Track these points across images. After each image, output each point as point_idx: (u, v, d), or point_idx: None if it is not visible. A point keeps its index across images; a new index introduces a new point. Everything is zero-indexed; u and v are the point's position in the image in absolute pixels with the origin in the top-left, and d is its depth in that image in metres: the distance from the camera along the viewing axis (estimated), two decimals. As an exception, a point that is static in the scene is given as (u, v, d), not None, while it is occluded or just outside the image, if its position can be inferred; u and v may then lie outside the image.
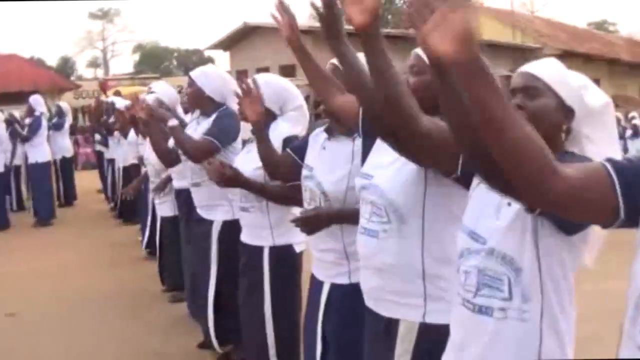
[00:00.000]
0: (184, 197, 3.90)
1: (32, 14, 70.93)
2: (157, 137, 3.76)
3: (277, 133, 2.82)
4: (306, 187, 2.40)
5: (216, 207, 3.42)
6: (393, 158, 1.84)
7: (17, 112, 9.74)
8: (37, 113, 8.60)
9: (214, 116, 3.37)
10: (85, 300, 5.24)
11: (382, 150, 1.92)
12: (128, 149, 7.28)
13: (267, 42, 23.03)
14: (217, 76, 3.48)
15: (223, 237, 3.38)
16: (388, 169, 1.88)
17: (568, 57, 30.13)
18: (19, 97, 13.71)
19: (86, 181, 10.99)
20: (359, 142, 2.27)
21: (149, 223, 5.69)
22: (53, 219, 8.69)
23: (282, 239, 2.85)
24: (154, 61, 45.74)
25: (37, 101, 8.79)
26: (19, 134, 8.62)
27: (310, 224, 2.29)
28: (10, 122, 9.05)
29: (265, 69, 23.32)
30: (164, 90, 4.57)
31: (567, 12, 65.07)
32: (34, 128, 8.54)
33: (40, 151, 8.56)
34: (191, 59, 47.58)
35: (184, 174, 3.74)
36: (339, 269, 2.32)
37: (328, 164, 2.35)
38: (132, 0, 53.88)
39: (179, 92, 5.67)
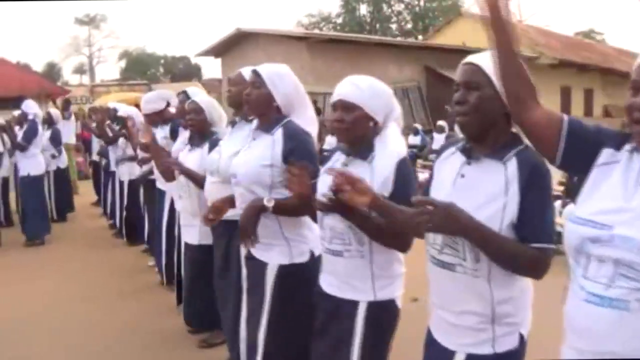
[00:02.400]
0: (230, 229, 3.21)
1: (17, 18, 69.94)
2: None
3: (390, 151, 2.22)
4: None
5: (273, 246, 2.71)
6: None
7: (1, 118, 8.99)
8: (30, 117, 7.68)
9: (293, 143, 2.65)
10: (93, 341, 4.47)
11: (616, 188, 1.50)
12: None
13: (261, 48, 22.43)
14: (291, 81, 2.75)
15: (280, 284, 2.68)
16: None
17: (563, 66, 29.96)
18: (5, 103, 12.89)
19: (81, 193, 10.14)
20: (513, 165, 1.75)
21: (164, 246, 4.99)
22: (46, 235, 7.83)
23: (385, 292, 2.21)
24: (140, 68, 45.05)
25: (30, 105, 7.88)
26: (13, 143, 7.66)
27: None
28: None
29: (260, 76, 22.70)
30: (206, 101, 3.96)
31: (554, 21, 65.35)
32: (30, 135, 7.59)
33: (34, 162, 7.65)
34: (177, 66, 46.95)
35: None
36: (480, 336, 1.80)
37: (471, 198, 1.75)
38: (118, 5, 53.16)
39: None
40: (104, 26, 46.39)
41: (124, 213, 7.27)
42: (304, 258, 2.68)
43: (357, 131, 2.24)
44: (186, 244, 4.00)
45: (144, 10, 77.93)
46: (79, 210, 9.68)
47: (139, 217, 7.18)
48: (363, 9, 44.89)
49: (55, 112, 9.55)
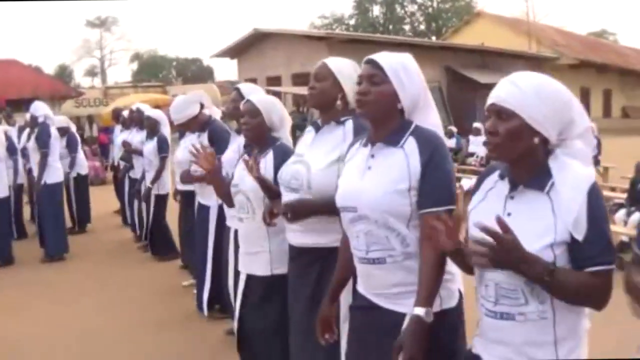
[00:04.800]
0: (322, 258, 2.51)
1: (30, 21, 69.79)
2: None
3: (576, 176, 1.69)
4: None
5: (414, 293, 2.02)
6: None
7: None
8: (41, 120, 6.89)
9: (430, 154, 2.03)
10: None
11: None
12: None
13: (279, 49, 22.01)
14: (420, 77, 2.14)
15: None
16: None
17: (583, 67, 29.27)
18: (18, 105, 12.31)
19: (98, 200, 9.30)
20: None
21: (208, 271, 4.29)
22: (66, 253, 7.10)
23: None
24: (152, 70, 44.72)
25: (39, 108, 7.04)
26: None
27: None
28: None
29: (277, 78, 22.22)
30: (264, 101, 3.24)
31: (568, 21, 64.58)
32: (45, 138, 6.79)
33: (51, 170, 6.85)
34: (190, 68, 46.60)
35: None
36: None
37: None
38: (130, 8, 53.21)
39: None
40: (115, 29, 46.55)
41: (150, 225, 6.60)
42: (453, 301, 2.09)
43: (514, 148, 1.69)
44: (249, 276, 3.19)
45: (156, 12, 77.72)
46: (95, 218, 8.93)
47: (165, 230, 6.57)
48: (376, 10, 44.40)
49: (64, 118, 8.86)
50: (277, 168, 2.84)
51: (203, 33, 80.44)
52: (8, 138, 7.59)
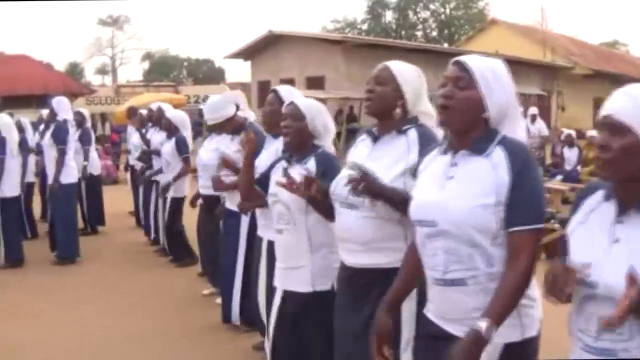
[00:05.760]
0: (383, 278, 2.25)
1: (41, 17, 69.90)
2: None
3: None
4: None
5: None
6: None
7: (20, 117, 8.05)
8: (59, 118, 6.65)
9: (521, 167, 1.83)
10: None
11: None
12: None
13: (293, 52, 21.81)
14: (510, 83, 1.93)
15: None
16: None
17: (597, 77, 28.96)
18: (29, 101, 12.08)
19: (109, 201, 8.94)
20: None
21: (237, 282, 4.03)
22: (78, 257, 6.81)
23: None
24: (163, 70, 44.68)
25: (62, 104, 6.83)
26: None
27: None
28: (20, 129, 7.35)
29: (290, 81, 21.95)
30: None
31: (580, 31, 64.35)
32: (63, 135, 6.54)
33: (66, 169, 6.59)
34: (201, 69, 46.53)
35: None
36: None
37: None
38: (142, 7, 53.39)
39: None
40: (127, 27, 46.55)
41: (166, 228, 6.36)
42: (534, 330, 1.88)
43: (628, 165, 1.53)
44: (286, 292, 2.93)
45: (168, 12, 77.76)
46: (111, 221, 8.63)
47: (181, 234, 6.35)
48: (389, 16, 44.18)
49: (84, 111, 8.63)
50: (320, 177, 2.64)
51: (214, 34, 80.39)
52: (22, 131, 7.35)
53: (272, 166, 3.02)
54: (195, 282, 5.78)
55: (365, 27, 43.12)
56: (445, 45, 38.60)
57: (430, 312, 1.93)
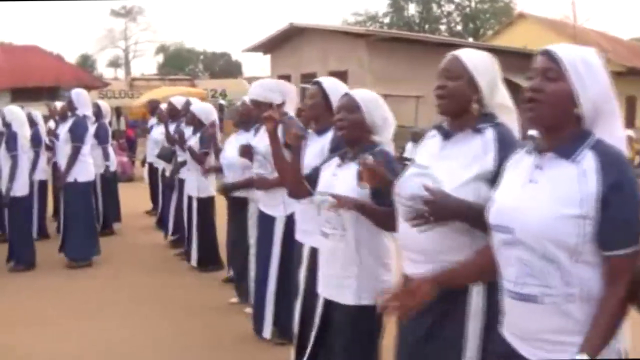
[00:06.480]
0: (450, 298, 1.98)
1: (51, 8, 69.80)
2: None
3: None
4: None
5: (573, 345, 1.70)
6: None
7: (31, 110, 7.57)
8: (79, 113, 6.22)
9: (615, 176, 1.67)
10: None
11: None
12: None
13: (315, 45, 21.34)
14: (605, 77, 1.73)
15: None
16: None
17: (630, 74, 28.09)
18: (39, 93, 11.63)
19: (125, 199, 8.50)
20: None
21: (272, 289, 3.71)
22: (96, 255, 6.36)
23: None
24: (178, 63, 44.17)
25: (82, 97, 6.38)
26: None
27: None
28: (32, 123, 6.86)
29: (312, 75, 21.44)
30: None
31: (609, 26, 63.16)
32: (82, 132, 6.11)
33: (82, 166, 6.15)
34: (218, 62, 46.09)
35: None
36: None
37: None
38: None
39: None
40: (141, 19, 45.79)
41: (195, 232, 5.89)
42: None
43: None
44: (329, 302, 2.70)
45: (182, 4, 77.40)
46: (126, 220, 8.21)
47: (213, 238, 5.93)
48: (412, 9, 43.43)
49: (104, 105, 8.17)
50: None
51: (230, 27, 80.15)
52: (33, 125, 6.86)
53: (323, 162, 2.86)
54: (220, 289, 5.32)
55: (387, 20, 42.43)
56: (470, 39, 37.81)
57: (504, 328, 1.80)
